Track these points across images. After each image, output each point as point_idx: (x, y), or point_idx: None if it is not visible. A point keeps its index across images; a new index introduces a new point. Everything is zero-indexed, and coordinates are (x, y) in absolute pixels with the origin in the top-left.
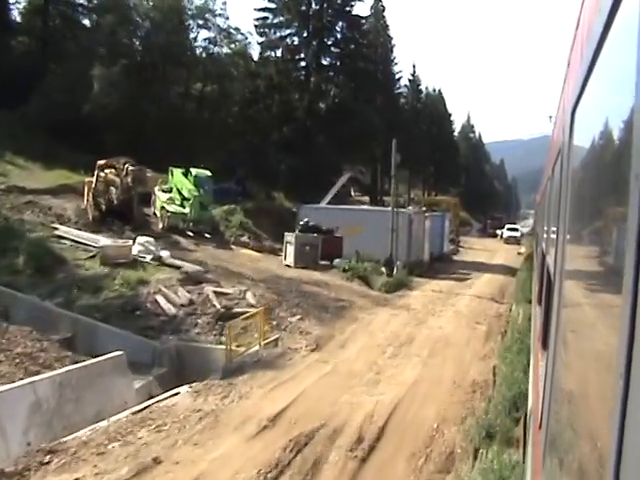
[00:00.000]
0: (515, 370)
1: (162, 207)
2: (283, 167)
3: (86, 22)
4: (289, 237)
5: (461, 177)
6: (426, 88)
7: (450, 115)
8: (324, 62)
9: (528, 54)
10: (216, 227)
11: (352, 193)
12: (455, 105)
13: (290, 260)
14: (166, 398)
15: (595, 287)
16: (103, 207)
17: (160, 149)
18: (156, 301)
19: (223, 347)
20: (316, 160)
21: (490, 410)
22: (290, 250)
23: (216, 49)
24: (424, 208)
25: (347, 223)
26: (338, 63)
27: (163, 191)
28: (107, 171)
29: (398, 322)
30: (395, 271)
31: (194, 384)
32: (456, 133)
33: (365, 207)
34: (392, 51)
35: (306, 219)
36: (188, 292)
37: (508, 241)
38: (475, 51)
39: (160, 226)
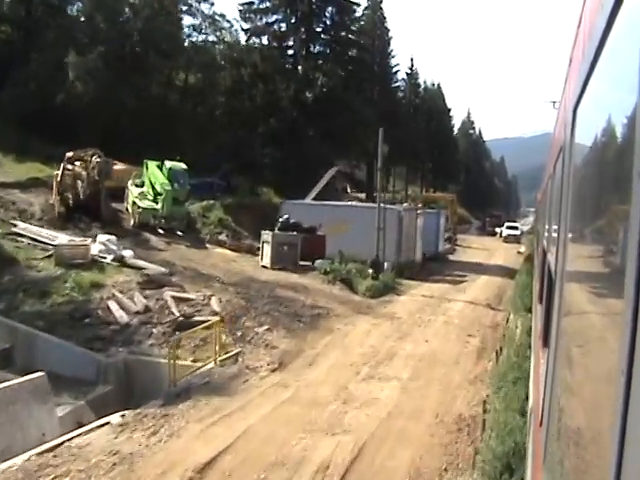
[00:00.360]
0: (510, 407)
1: (133, 202)
2: (268, 161)
3: (69, 10)
4: (266, 236)
5: (460, 174)
6: (424, 82)
7: (449, 110)
8: (313, 50)
9: (529, 51)
10: (192, 224)
11: (348, 190)
12: (455, 102)
13: (267, 261)
14: (86, 432)
15: (596, 285)
16: (70, 202)
17: (141, 142)
18: (108, 308)
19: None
20: (306, 153)
21: (476, 468)
22: (267, 250)
23: (201, 37)
24: (420, 205)
25: (332, 220)
26: (328, 51)
27: (136, 185)
28: (77, 164)
29: (379, 334)
30: (383, 273)
31: (127, 413)
32: (456, 129)
33: (352, 203)
34: (389, 44)
35: (286, 216)
36: (145, 297)
37: (507, 240)
38: (476, 48)
39: (131, 223)
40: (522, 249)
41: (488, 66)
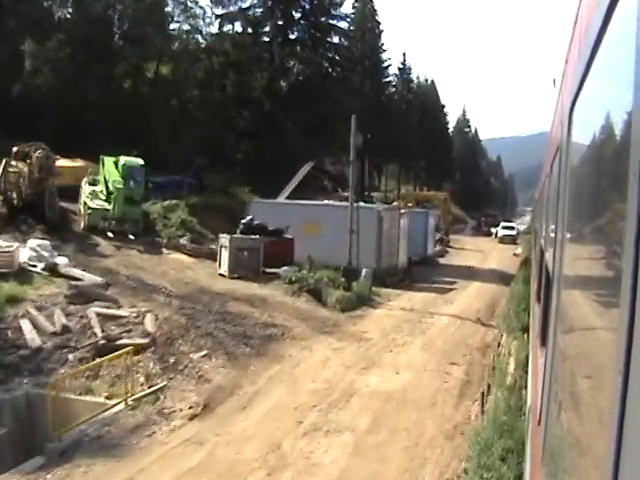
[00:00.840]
0: None
1: (84, 202)
2: (242, 157)
3: None
4: (224, 240)
5: (456, 172)
6: (417, 78)
7: (443, 107)
8: (290, 36)
9: (526, 50)
10: (152, 226)
11: (338, 189)
12: (451, 100)
13: (224, 268)
14: None
15: (593, 284)
16: (15, 202)
17: (108, 136)
18: (20, 328)
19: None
20: (284, 149)
21: None
22: (224, 256)
23: (173, 25)
24: (410, 204)
25: (303, 221)
26: (306, 37)
27: (91, 184)
28: (28, 161)
29: (339, 363)
30: (359, 282)
31: None
32: (451, 128)
33: (326, 202)
34: (380, 37)
35: (249, 217)
36: (68, 315)
37: (503, 240)
38: (471, 46)
39: (81, 225)
40: (518, 251)
41: (484, 65)
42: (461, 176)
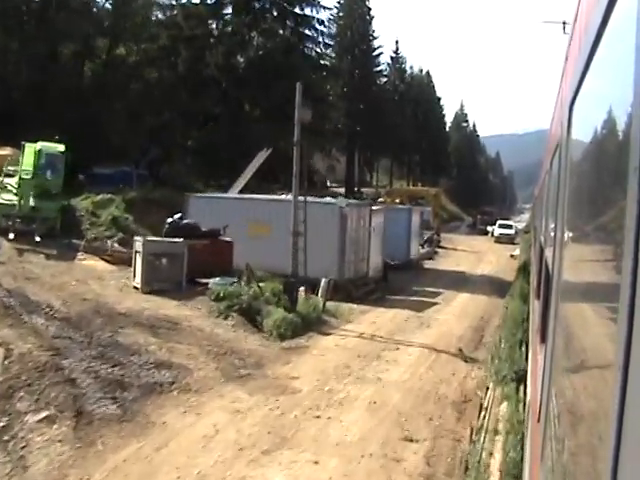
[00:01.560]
0: None
1: None
2: (195, 145)
3: None
4: (138, 244)
5: (453, 168)
6: (411, 68)
7: (439, 100)
8: (253, 6)
9: (525, 46)
10: (74, 225)
11: (328, 184)
12: (449, 96)
13: (138, 280)
14: None
15: (593, 281)
16: None
17: (50, 122)
18: None
19: None
20: (243, 135)
21: None
22: (139, 264)
23: None
24: (397, 201)
25: (249, 220)
26: (271, 6)
27: (8, 175)
28: None
29: (232, 439)
30: (310, 298)
31: None
32: (449, 123)
33: (275, 196)
34: (371, 24)
35: (177, 215)
36: None
37: (500, 240)
38: (471, 42)
39: None
40: (516, 252)
41: (483, 62)
42: (458, 172)
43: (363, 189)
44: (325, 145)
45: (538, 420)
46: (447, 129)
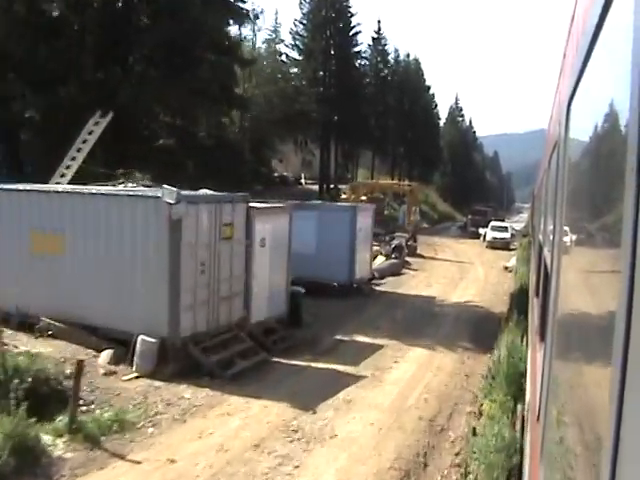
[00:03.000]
0: None
1: None
2: (34, 116)
3: None
4: None
5: (446, 164)
6: (396, 51)
7: (429, 88)
8: None
9: (524, 45)
10: None
11: (303, 180)
12: (448, 95)
13: None
14: None
15: (591, 279)
16: None
17: None
18: None
19: None
20: (131, 113)
21: None
22: None
23: None
24: (364, 198)
25: (32, 227)
26: None
27: None
28: None
29: None
30: (134, 369)
31: None
32: (443, 119)
33: (71, 187)
34: None
35: None
36: None
37: (493, 245)
38: (470, 42)
39: None
40: (511, 262)
41: (482, 62)
42: (452, 169)
43: (342, 185)
44: (295, 134)
45: (538, 419)
46: (441, 124)
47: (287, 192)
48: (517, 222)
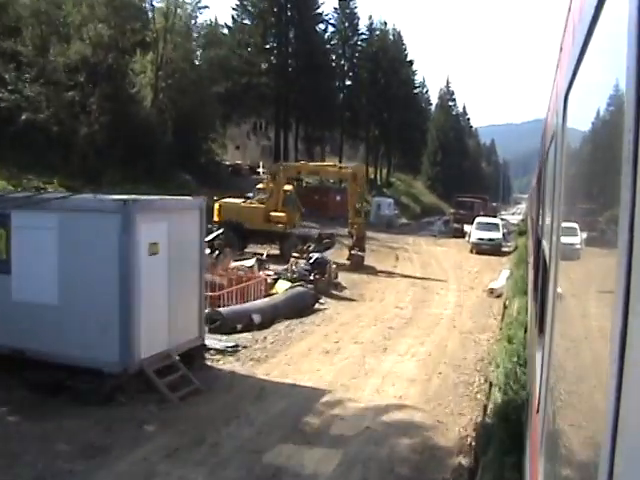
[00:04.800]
0: None
1: None
2: None
3: None
4: None
5: (436, 152)
6: (370, 18)
7: (411, 63)
8: None
9: (521, 34)
10: None
11: (260, 169)
12: (441, 84)
13: None
14: None
15: (589, 271)
16: None
17: None
18: None
19: None
20: None
21: None
22: None
23: None
24: (287, 187)
25: None
26: None
27: None
28: None
29: None
30: None
31: None
32: (434, 106)
33: None
34: None
35: None
36: None
37: (479, 248)
38: (466, 31)
39: None
40: (499, 282)
41: (478, 51)
42: (443, 157)
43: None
44: (245, 115)
45: (537, 411)
46: (431, 109)
47: (236, 184)
48: (515, 214)
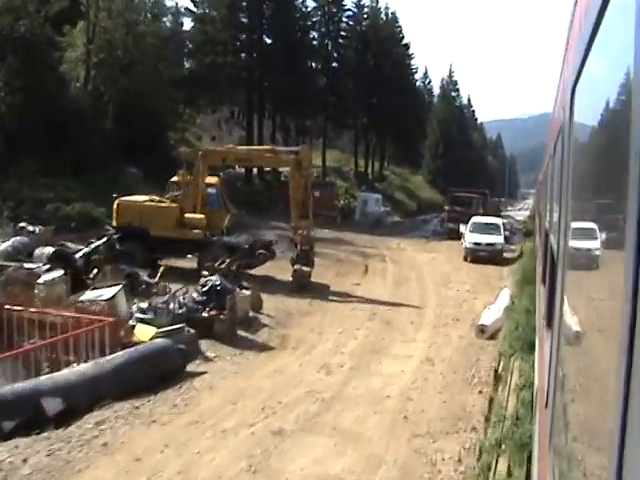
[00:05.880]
0: None
1: None
2: None
3: None
4: None
5: (438, 145)
6: None
7: (407, 47)
8: None
9: (528, 28)
10: None
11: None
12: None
13: None
14: None
15: (598, 266)
16: None
17: None
18: None
19: None
20: None
21: None
22: None
23: None
24: (211, 180)
25: None
26: None
27: None
28: None
29: None
30: None
31: None
32: (436, 96)
33: None
34: None
35: None
36: None
37: (475, 255)
38: (473, 27)
39: None
40: (497, 310)
41: (485, 44)
42: (445, 150)
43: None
44: (214, 100)
45: (546, 406)
46: (434, 100)
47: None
48: (522, 210)
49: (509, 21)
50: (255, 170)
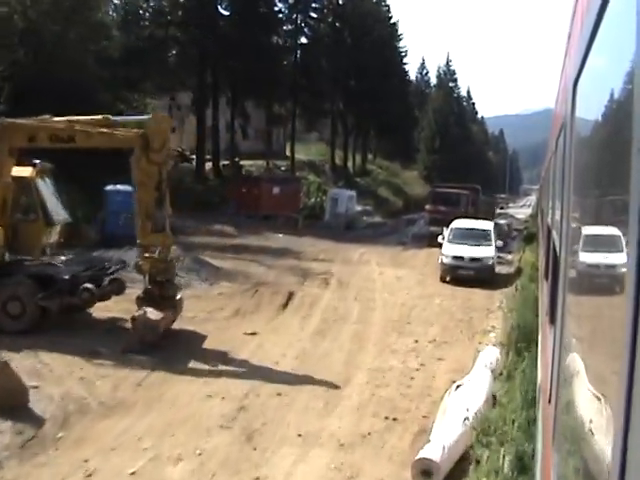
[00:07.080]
0: None
1: None
2: None
3: None
4: None
5: (434, 138)
6: None
7: (393, 23)
8: None
9: (530, 23)
10: None
11: (200, 157)
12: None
13: None
14: None
15: (600, 262)
16: None
17: None
18: None
19: None
20: None
21: None
22: None
23: None
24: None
25: None
26: None
27: None
28: None
29: None
30: None
31: None
32: (432, 84)
33: None
34: None
35: None
36: None
37: (455, 274)
38: (475, 23)
39: None
40: (451, 441)
41: (487, 41)
42: (442, 143)
43: (279, 161)
44: (158, 83)
45: (549, 401)
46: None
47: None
48: (524, 207)
49: (513, 17)
50: (210, 164)
